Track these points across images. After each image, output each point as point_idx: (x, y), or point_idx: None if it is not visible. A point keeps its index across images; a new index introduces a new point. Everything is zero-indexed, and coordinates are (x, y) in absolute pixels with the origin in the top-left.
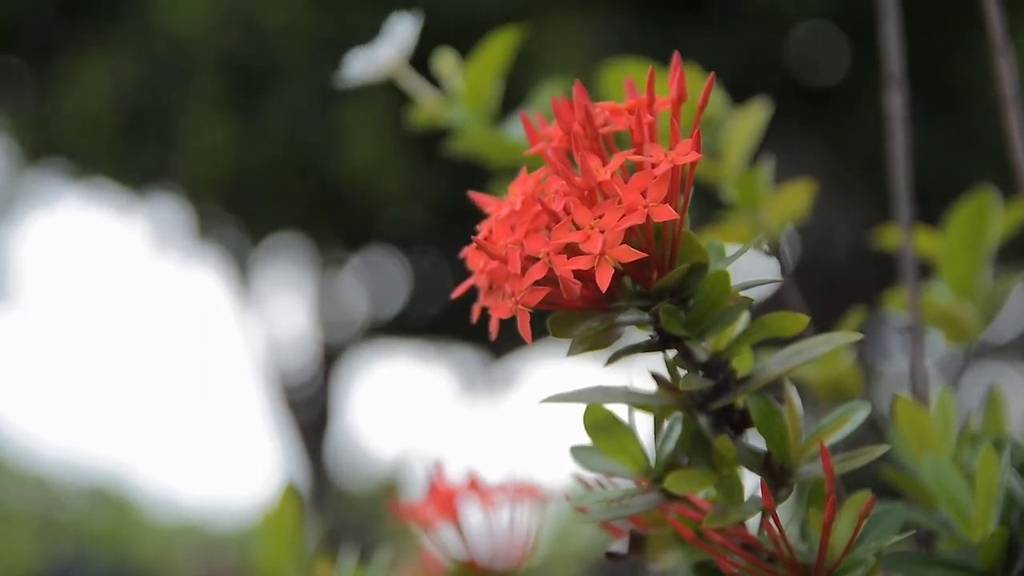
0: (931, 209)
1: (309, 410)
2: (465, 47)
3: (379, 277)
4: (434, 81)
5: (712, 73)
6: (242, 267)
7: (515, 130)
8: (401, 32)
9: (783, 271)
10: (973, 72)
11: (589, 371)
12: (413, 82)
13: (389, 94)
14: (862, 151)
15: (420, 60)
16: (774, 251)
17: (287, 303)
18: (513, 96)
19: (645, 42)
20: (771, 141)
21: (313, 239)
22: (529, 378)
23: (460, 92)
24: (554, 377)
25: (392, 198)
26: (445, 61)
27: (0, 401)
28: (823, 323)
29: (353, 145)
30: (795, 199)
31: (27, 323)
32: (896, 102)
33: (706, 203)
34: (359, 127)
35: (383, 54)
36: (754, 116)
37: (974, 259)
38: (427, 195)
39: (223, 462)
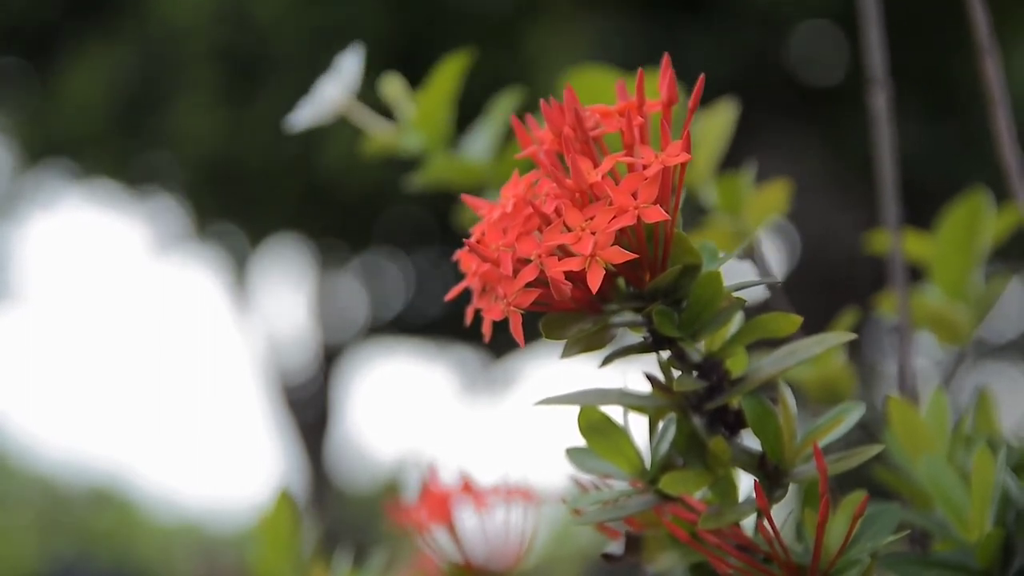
0: (933, 211)
1: (309, 410)
2: (465, 45)
3: (379, 277)
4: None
5: (702, 74)
6: (241, 267)
7: (475, 149)
8: (346, 69)
9: (765, 273)
10: (973, 73)
11: (589, 371)
12: (364, 116)
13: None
14: (862, 151)
15: (422, 60)
16: (750, 256)
17: (287, 303)
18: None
19: (645, 42)
20: (771, 140)
21: (312, 239)
22: (529, 378)
23: (413, 120)
24: (554, 377)
25: (381, 193)
26: (393, 88)
27: (2, 400)
28: (822, 323)
29: (333, 137)
30: (773, 199)
31: (29, 322)
32: (880, 104)
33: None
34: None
35: (329, 94)
36: (721, 116)
37: (966, 261)
38: (421, 191)
39: (224, 462)
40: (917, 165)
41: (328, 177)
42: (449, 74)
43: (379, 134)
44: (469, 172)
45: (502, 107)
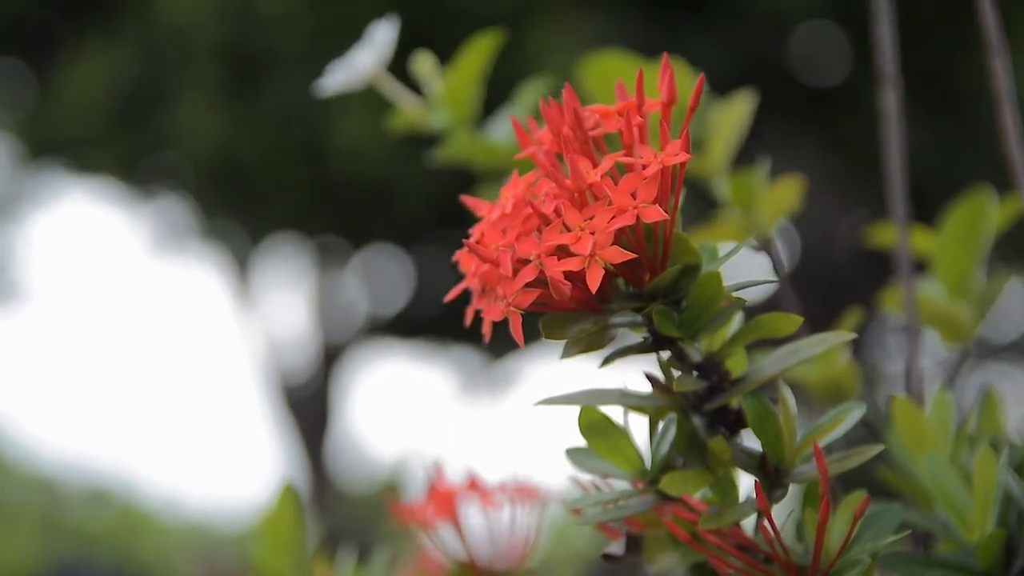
0: (933, 209)
1: (309, 410)
2: (466, 43)
3: (380, 276)
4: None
5: (702, 73)
6: (243, 266)
7: (500, 131)
8: (379, 39)
9: (776, 270)
10: (977, 72)
11: (590, 371)
12: (393, 89)
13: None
14: (863, 150)
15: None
16: (765, 248)
17: (287, 302)
18: (509, 97)
19: (646, 42)
20: (772, 140)
21: (314, 237)
22: (530, 377)
23: (441, 97)
24: (555, 376)
25: (385, 190)
26: (423, 65)
27: (3, 401)
28: (823, 323)
29: (343, 125)
30: (786, 196)
31: (30, 323)
32: (891, 101)
33: (695, 199)
34: (348, 107)
35: (362, 62)
36: (739, 107)
37: (969, 258)
38: (425, 185)
39: (225, 462)
40: (917, 164)
41: (334, 172)
42: (478, 52)
43: (406, 109)
44: (493, 153)
45: (529, 93)
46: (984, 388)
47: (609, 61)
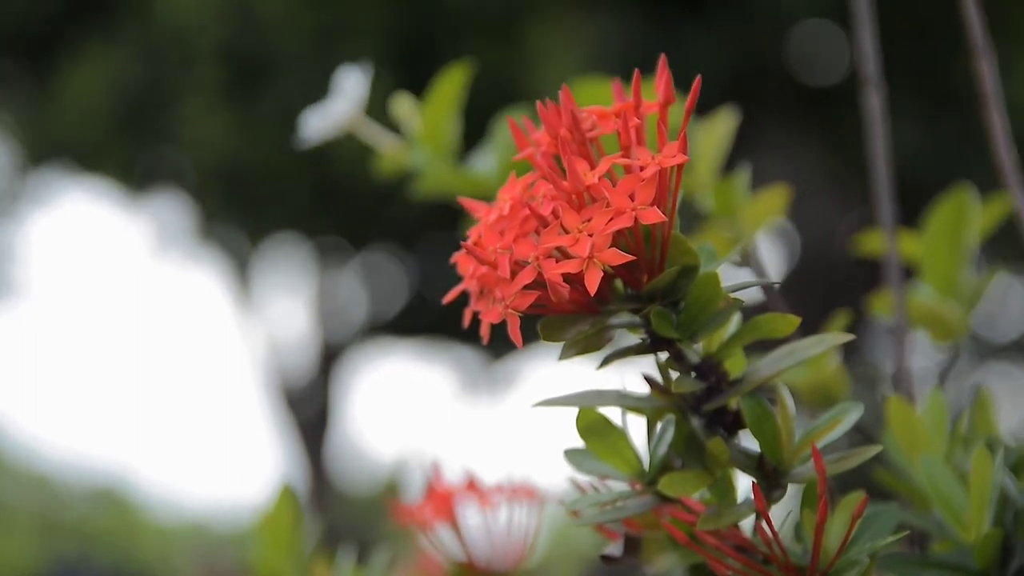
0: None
1: (309, 410)
2: (465, 47)
3: (380, 277)
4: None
5: (699, 76)
6: (243, 267)
7: (482, 163)
8: (352, 86)
9: (761, 277)
10: (972, 72)
11: (589, 371)
12: (372, 132)
13: (380, 77)
14: (862, 150)
15: (424, 57)
16: (746, 260)
17: (287, 303)
18: (512, 100)
19: (645, 41)
20: (771, 141)
21: (314, 239)
22: (530, 377)
23: (418, 134)
24: (554, 377)
25: (390, 190)
26: (402, 105)
27: (3, 400)
28: (822, 323)
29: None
30: (771, 204)
31: (30, 322)
32: (874, 104)
33: (681, 214)
34: None
35: (338, 110)
36: (722, 125)
37: (955, 257)
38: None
39: (225, 462)
40: (918, 165)
41: (335, 173)
42: (451, 84)
43: (388, 150)
44: (474, 185)
45: (507, 123)
46: (976, 388)
47: (598, 85)
